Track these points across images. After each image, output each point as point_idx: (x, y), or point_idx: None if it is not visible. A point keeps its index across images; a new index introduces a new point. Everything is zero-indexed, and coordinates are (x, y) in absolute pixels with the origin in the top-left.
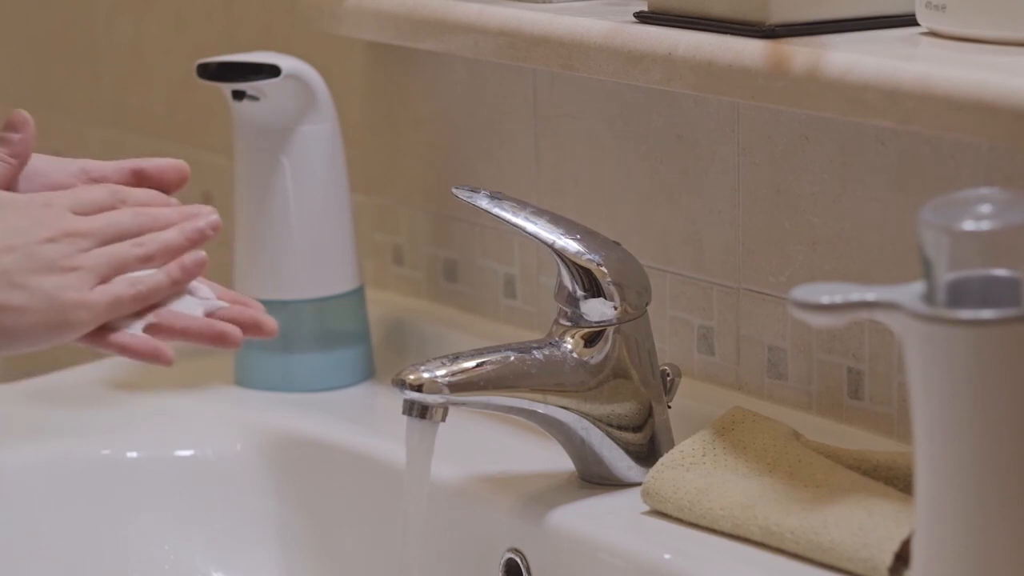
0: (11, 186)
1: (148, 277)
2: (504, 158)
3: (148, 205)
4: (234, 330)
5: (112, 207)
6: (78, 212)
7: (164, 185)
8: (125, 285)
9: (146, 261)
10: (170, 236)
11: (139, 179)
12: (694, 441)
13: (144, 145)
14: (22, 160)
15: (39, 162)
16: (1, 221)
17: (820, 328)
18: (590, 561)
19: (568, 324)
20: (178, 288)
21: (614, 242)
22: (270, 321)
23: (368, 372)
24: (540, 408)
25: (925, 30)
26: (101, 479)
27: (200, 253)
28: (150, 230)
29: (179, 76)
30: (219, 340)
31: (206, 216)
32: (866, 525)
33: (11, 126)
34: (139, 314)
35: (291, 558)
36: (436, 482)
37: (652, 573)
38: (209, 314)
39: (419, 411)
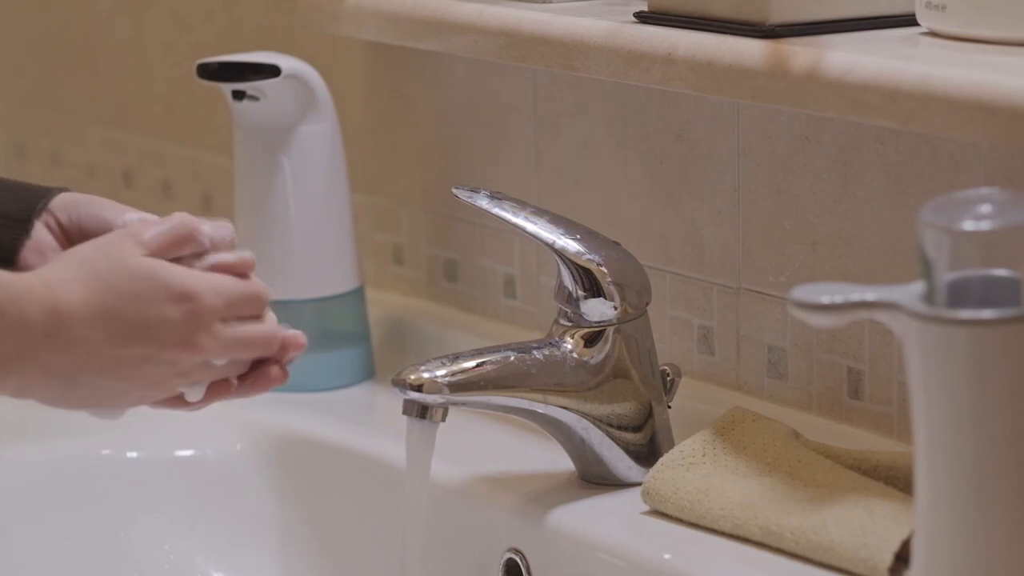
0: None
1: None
2: (504, 158)
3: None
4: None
5: None
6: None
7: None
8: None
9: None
10: None
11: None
12: (694, 441)
13: (144, 145)
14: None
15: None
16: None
17: (820, 328)
18: (590, 561)
19: (568, 324)
20: None
21: (614, 242)
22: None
23: (368, 372)
24: (540, 408)
25: (925, 30)
26: (101, 479)
27: None
28: None
29: (179, 76)
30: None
31: None
32: (866, 525)
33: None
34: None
35: (291, 558)
36: (436, 482)
37: (652, 573)
38: None
39: (419, 411)
